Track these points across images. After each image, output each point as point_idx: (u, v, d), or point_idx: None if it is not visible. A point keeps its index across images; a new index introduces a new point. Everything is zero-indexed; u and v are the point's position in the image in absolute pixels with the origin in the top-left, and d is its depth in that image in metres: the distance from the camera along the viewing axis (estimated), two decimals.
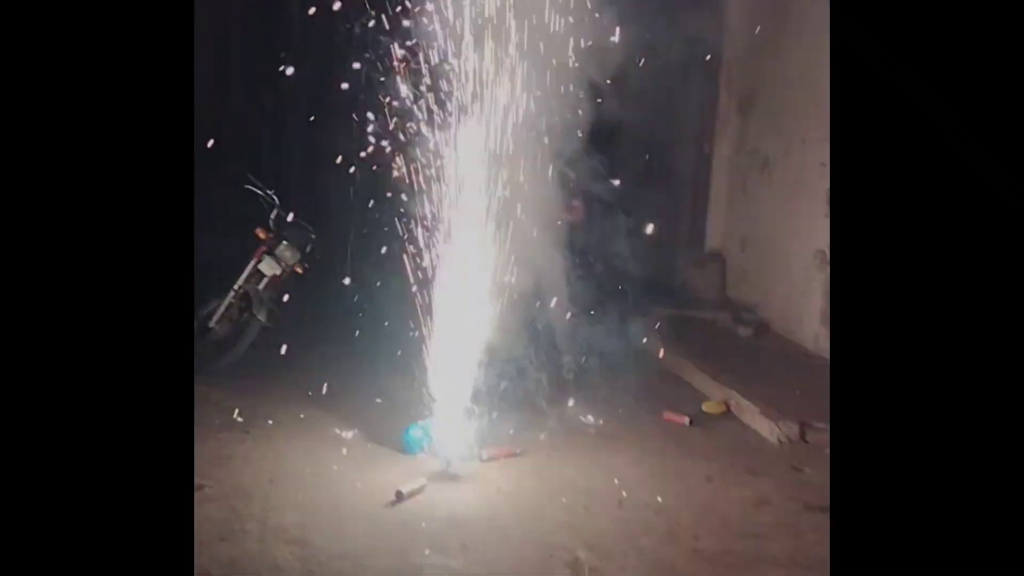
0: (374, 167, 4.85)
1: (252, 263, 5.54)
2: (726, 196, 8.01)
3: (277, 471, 3.96)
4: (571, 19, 4.18)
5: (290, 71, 6.54)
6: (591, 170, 4.85)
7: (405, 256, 4.43)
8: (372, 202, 5.19)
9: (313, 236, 5.73)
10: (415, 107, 4.27)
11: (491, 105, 4.11)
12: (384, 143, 4.56)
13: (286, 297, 5.54)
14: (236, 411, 4.63)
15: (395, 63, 4.30)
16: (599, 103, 4.53)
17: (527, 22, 4.12)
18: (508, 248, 4.25)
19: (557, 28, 4.18)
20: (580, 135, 4.47)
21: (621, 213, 5.69)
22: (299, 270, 5.65)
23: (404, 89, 4.32)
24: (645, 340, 5.75)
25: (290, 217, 5.67)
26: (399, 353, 4.69)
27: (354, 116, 4.90)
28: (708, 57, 7.14)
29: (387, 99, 4.42)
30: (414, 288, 4.38)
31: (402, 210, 4.46)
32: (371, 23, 4.41)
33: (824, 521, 3.65)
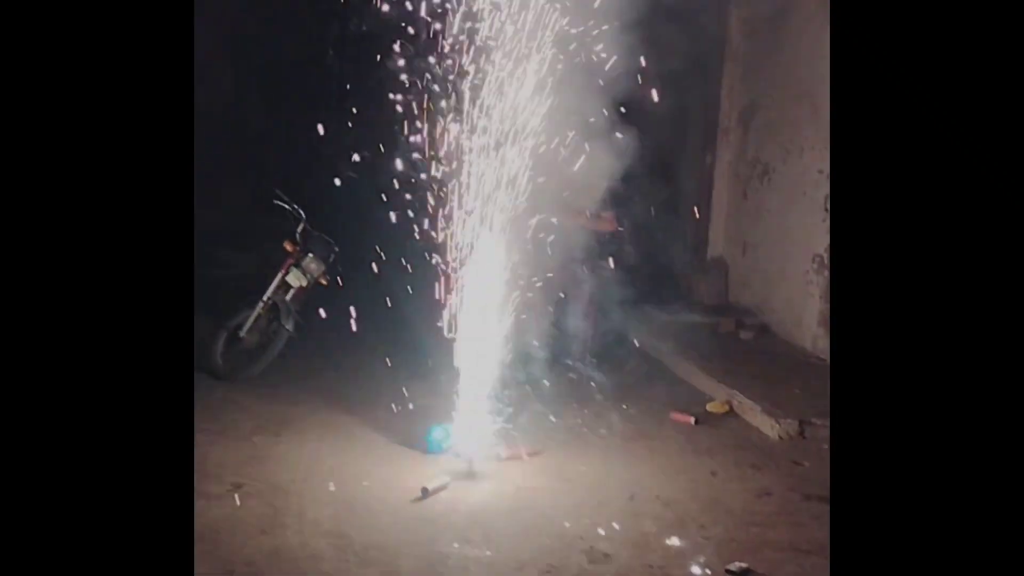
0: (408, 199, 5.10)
1: (280, 275, 5.83)
2: (728, 203, 8.28)
3: (310, 470, 4.24)
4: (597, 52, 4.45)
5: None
6: (618, 187, 5.17)
7: (431, 265, 4.68)
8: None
9: (336, 249, 6.02)
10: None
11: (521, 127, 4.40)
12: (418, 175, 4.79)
13: (322, 312, 5.80)
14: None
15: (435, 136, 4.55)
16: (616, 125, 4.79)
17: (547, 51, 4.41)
18: (530, 258, 4.54)
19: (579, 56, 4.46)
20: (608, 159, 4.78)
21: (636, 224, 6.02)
22: (323, 282, 5.95)
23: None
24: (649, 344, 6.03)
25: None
26: (429, 363, 4.97)
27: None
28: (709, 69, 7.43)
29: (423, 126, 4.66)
30: (439, 296, 4.65)
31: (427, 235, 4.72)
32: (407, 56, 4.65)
33: (822, 509, 3.93)
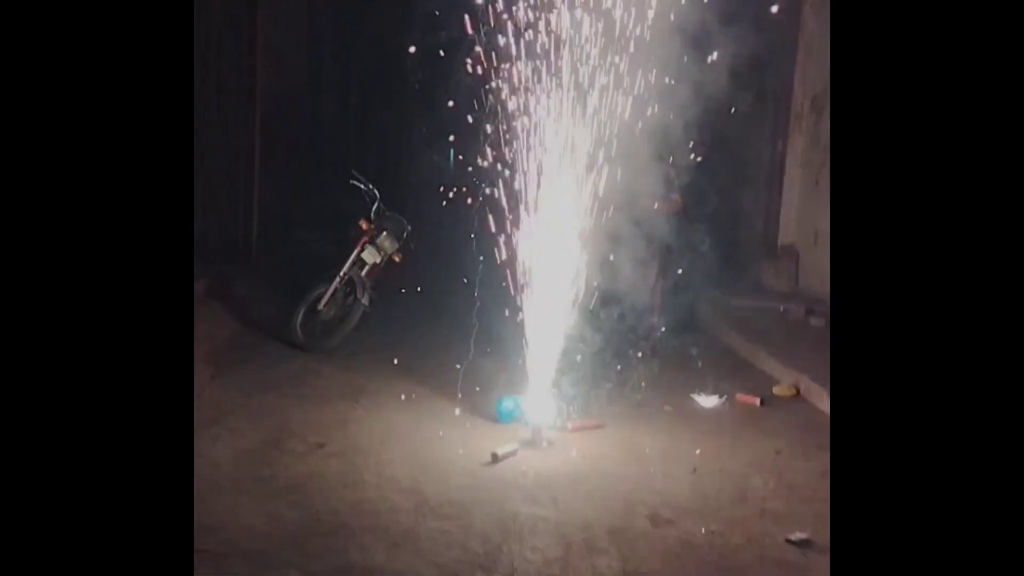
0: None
1: (356, 252, 6.09)
2: (799, 191, 8.24)
3: (387, 434, 4.46)
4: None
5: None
6: (686, 168, 5.25)
7: (499, 245, 4.85)
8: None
9: (409, 228, 6.26)
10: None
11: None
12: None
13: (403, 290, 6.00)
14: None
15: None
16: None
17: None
18: (601, 237, 4.68)
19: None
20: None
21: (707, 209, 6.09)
22: (397, 258, 6.19)
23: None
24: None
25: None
26: (496, 350, 5.17)
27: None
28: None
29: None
30: (507, 275, 4.82)
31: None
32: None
33: None
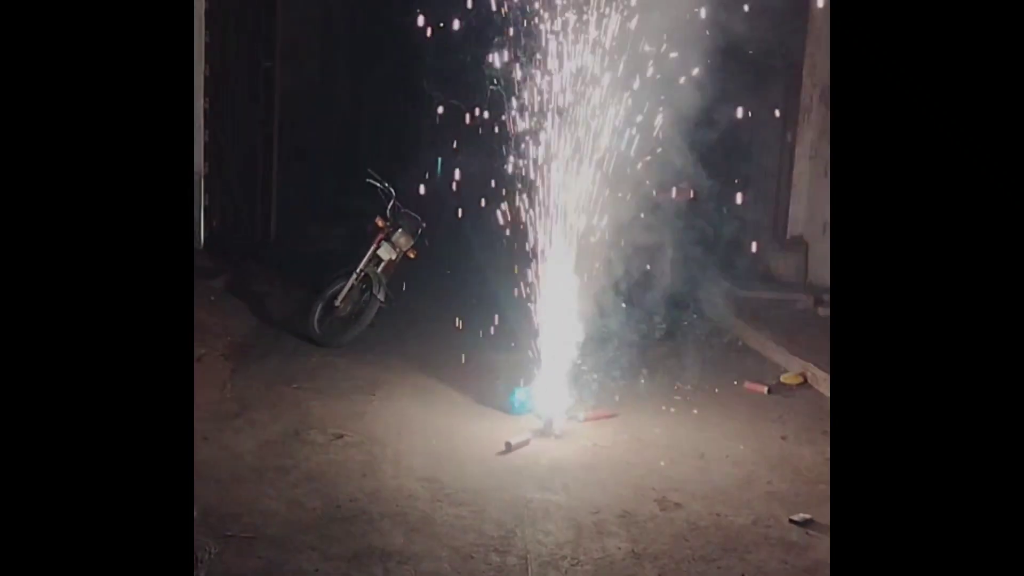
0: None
1: (372, 248, 6.23)
2: (809, 183, 8.30)
3: (403, 425, 4.60)
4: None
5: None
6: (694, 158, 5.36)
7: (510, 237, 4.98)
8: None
9: (424, 225, 6.39)
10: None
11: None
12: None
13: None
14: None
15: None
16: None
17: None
18: (609, 228, 4.80)
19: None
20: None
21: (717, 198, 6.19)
22: (412, 255, 6.33)
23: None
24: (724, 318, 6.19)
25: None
26: (512, 345, 5.30)
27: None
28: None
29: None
30: (518, 269, 4.95)
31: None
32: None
33: None
